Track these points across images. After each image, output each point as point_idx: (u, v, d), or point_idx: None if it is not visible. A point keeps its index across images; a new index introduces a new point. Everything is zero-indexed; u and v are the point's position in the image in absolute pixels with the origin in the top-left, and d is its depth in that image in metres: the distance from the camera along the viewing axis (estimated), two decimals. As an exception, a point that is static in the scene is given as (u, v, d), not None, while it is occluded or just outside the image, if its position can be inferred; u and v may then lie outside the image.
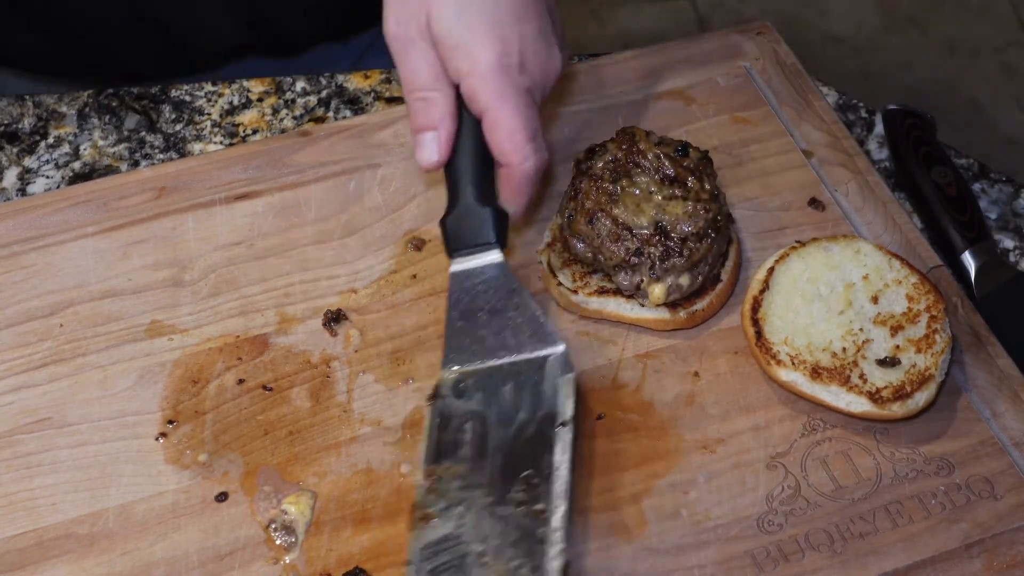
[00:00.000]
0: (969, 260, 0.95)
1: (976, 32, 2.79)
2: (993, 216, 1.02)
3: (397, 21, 0.81)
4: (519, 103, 0.79)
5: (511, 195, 0.82)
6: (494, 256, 0.82)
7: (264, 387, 0.86)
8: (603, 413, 0.84)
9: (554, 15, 0.84)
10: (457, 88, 0.81)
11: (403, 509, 0.79)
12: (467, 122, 0.82)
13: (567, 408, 0.78)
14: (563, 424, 0.77)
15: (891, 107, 1.06)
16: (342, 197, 0.97)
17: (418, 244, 0.94)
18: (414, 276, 0.92)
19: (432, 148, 0.81)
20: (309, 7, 1.15)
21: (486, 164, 0.82)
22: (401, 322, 0.89)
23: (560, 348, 0.81)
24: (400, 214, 0.96)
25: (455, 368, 0.81)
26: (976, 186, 1.04)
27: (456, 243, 0.83)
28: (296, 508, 0.79)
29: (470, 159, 0.82)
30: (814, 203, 0.96)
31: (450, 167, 0.83)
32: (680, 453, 0.82)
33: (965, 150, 1.07)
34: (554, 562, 0.72)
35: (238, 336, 0.89)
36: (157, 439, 0.83)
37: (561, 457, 0.76)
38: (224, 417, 0.84)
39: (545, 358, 0.81)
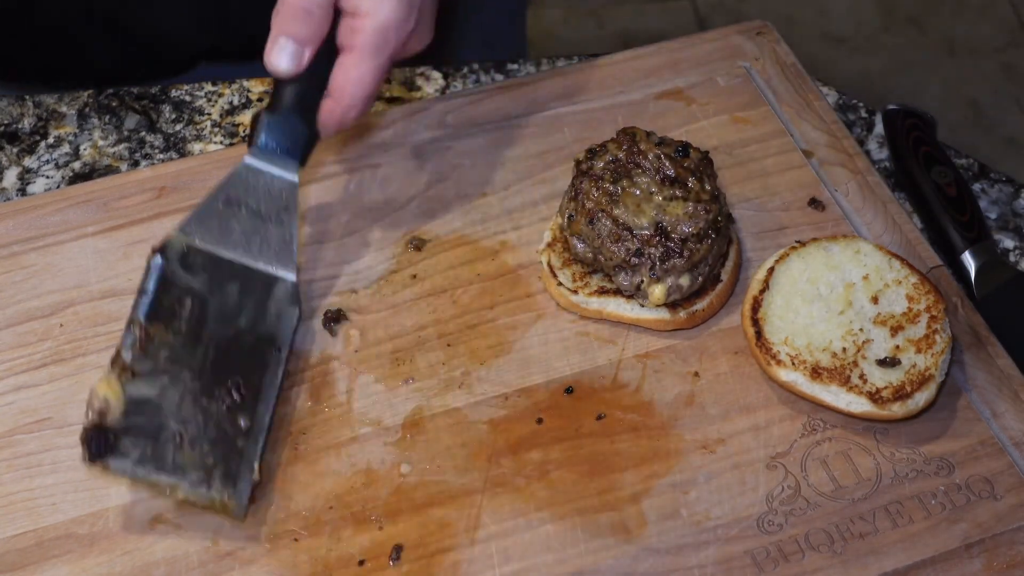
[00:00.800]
0: (969, 260, 0.95)
1: (976, 32, 2.79)
2: (993, 216, 1.02)
3: None
4: (381, 64, 0.82)
5: (325, 124, 0.84)
6: (290, 174, 0.84)
7: (264, 387, 0.86)
8: (603, 413, 0.84)
9: None
10: (335, 13, 0.82)
11: (403, 509, 0.79)
12: (325, 45, 0.83)
13: (287, 337, 0.82)
14: (279, 350, 0.82)
15: (891, 107, 1.06)
16: (342, 197, 0.97)
17: (418, 244, 0.94)
18: (414, 276, 0.92)
19: (291, 58, 0.82)
20: (269, 10, 1.16)
21: (321, 88, 0.83)
22: (401, 322, 0.89)
23: (292, 279, 0.84)
24: (400, 214, 0.96)
25: (191, 238, 0.82)
26: (976, 186, 1.04)
27: (263, 142, 0.84)
28: (108, 391, 0.77)
29: (315, 77, 0.83)
30: (814, 203, 0.96)
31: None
32: (680, 453, 0.82)
33: (965, 150, 1.07)
34: (245, 480, 0.77)
35: (238, 336, 0.89)
36: (157, 439, 0.83)
37: (272, 381, 0.81)
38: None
39: (276, 279, 0.83)
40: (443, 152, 1.00)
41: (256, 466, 0.78)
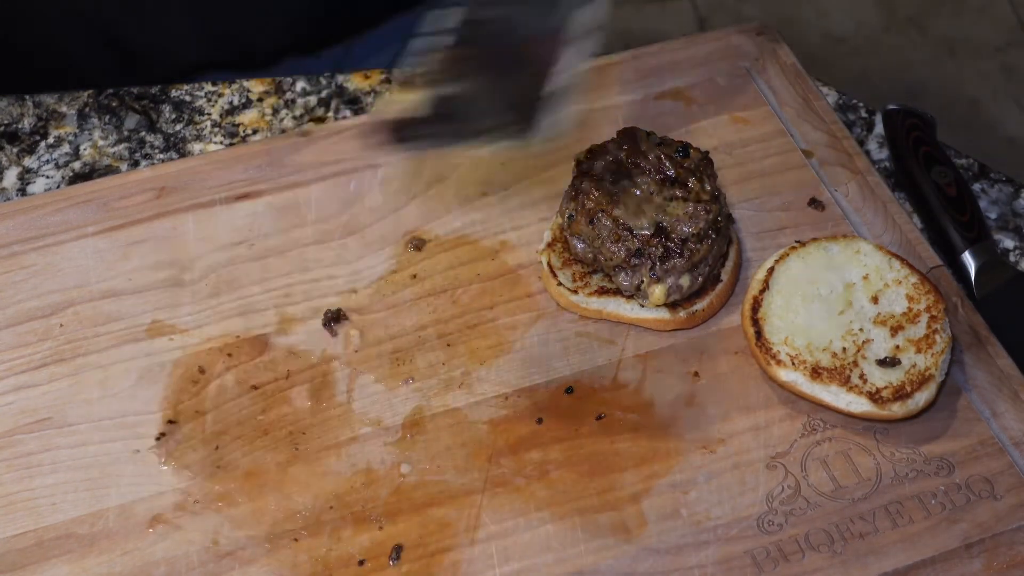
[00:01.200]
0: (969, 260, 0.95)
1: (976, 32, 2.79)
2: (993, 216, 1.02)
3: None
4: None
5: None
6: None
7: (264, 387, 0.86)
8: (603, 413, 0.84)
9: None
10: None
11: (403, 509, 0.79)
12: None
13: (590, 31, 0.80)
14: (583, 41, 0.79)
15: (891, 107, 1.06)
16: (342, 197, 0.97)
17: (418, 244, 0.94)
18: (414, 276, 0.92)
19: None
20: (270, 23, 1.15)
21: None
22: (401, 322, 0.89)
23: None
24: (400, 214, 0.96)
25: None
26: (976, 186, 1.04)
27: None
28: (403, 96, 0.76)
29: None
30: (814, 203, 0.96)
31: None
32: (680, 453, 0.82)
33: (965, 150, 1.07)
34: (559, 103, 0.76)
35: (238, 336, 0.89)
36: (157, 439, 0.83)
37: (577, 56, 0.79)
38: (224, 417, 0.84)
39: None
40: (443, 152, 1.00)
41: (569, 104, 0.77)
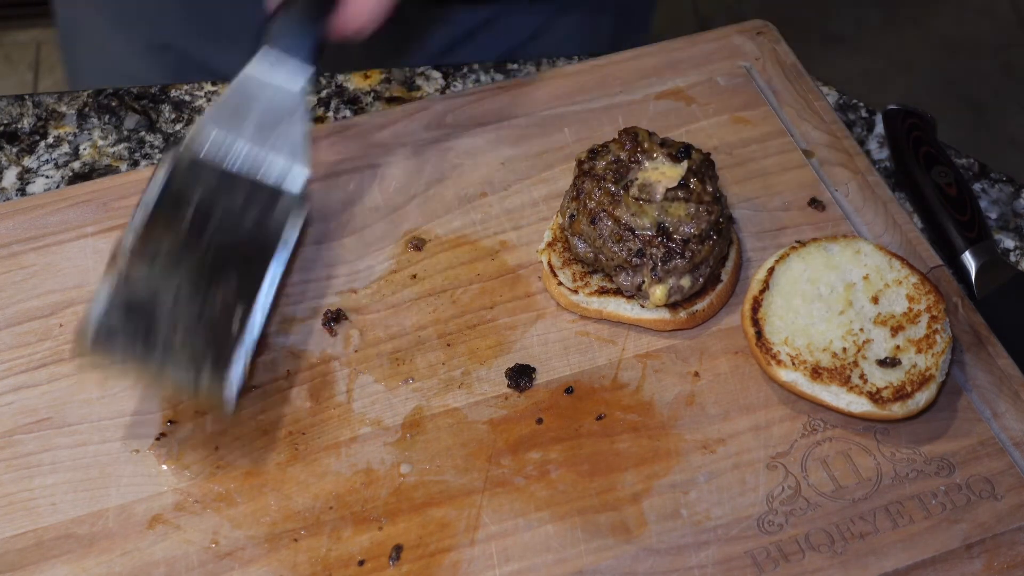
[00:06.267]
0: (969, 260, 0.95)
1: (976, 32, 2.79)
2: (993, 216, 1.02)
3: None
4: None
5: (349, 21, 0.85)
6: (296, 83, 0.84)
7: (264, 387, 0.86)
8: (603, 413, 0.84)
9: None
10: None
11: (403, 509, 0.79)
12: None
13: (291, 237, 0.82)
14: (281, 250, 0.81)
15: (891, 107, 1.06)
16: (342, 197, 0.97)
17: (418, 244, 0.94)
18: (414, 276, 0.92)
19: None
20: None
21: None
22: (401, 322, 0.89)
23: (303, 175, 0.83)
24: (400, 214, 0.96)
25: (200, 148, 0.83)
26: (976, 186, 1.04)
27: (275, 41, 0.84)
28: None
29: None
30: (814, 203, 0.96)
31: None
32: (680, 453, 0.82)
33: (965, 150, 1.07)
34: (235, 375, 0.76)
35: (238, 336, 0.88)
36: (157, 439, 0.83)
37: (271, 280, 0.80)
38: (224, 417, 0.84)
39: (281, 191, 0.83)
40: (443, 152, 1.00)
41: (245, 364, 0.77)
